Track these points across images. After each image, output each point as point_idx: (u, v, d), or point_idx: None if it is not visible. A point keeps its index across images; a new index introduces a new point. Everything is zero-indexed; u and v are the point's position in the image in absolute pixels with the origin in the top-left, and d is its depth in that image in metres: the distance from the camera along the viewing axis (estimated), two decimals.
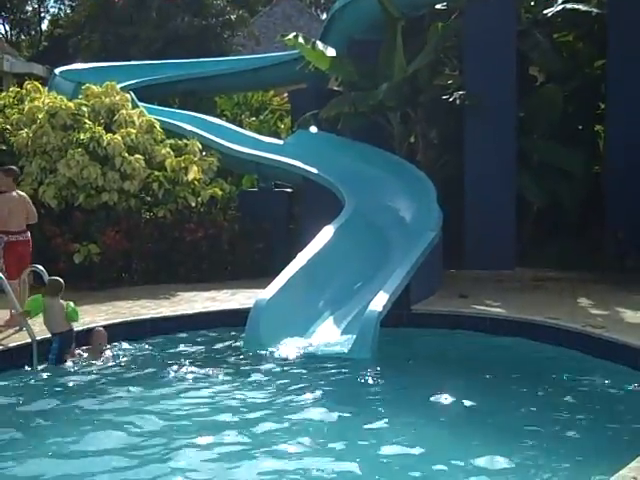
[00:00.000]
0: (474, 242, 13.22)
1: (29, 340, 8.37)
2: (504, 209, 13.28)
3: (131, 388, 7.58)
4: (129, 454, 5.85)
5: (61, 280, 8.71)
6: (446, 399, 7.09)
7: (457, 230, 12.79)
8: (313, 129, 15.44)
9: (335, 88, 16.51)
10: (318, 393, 7.43)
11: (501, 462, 5.60)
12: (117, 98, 13.89)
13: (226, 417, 6.75)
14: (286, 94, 20.14)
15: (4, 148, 13.17)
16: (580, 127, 15.53)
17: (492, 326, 9.71)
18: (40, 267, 9.12)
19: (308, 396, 7.31)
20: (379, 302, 9.41)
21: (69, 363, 8.39)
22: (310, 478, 5.46)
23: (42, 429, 6.53)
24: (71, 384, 7.78)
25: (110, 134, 13.02)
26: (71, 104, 13.23)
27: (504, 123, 13.29)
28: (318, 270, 10.57)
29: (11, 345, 8.55)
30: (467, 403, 6.99)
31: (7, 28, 49.46)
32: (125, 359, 8.63)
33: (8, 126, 13.50)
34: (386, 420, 6.63)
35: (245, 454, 5.87)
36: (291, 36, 14.67)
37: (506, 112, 13.31)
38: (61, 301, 8.63)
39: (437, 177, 12.85)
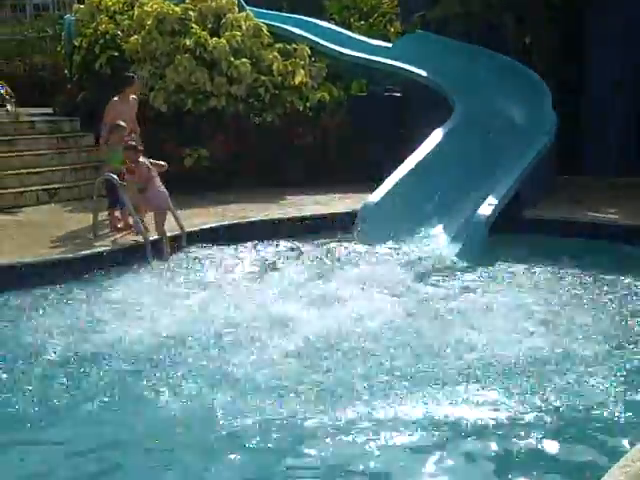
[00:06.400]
0: (593, 148, 12.76)
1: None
2: (626, 116, 12.72)
3: (233, 283, 7.83)
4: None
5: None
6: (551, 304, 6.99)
7: (571, 135, 12.31)
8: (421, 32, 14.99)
9: None
10: (423, 295, 7.41)
11: None
12: (223, 2, 13.76)
13: (325, 313, 6.82)
14: None
15: (116, 54, 13.32)
16: None
17: (605, 232, 9.39)
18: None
19: (412, 296, 7.31)
20: (488, 207, 9.25)
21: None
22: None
23: None
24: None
25: (216, 38, 12.99)
26: (178, 9, 13.20)
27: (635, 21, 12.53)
28: (426, 174, 10.44)
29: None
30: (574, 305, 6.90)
31: None
32: (230, 259, 8.80)
33: (119, 32, 13.62)
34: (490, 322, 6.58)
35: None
36: None
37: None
38: None
39: (552, 81, 12.32)
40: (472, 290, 7.53)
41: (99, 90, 12.54)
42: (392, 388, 5.30)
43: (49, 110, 14.64)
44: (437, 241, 9.40)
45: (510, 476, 4.27)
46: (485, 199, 9.57)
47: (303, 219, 10.32)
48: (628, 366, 5.57)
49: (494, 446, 4.56)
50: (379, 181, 10.18)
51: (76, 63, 13.99)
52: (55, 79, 16.19)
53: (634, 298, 7.17)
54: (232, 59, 12.80)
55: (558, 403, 5.02)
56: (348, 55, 14.51)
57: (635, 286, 7.48)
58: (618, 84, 12.55)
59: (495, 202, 9.46)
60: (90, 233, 9.23)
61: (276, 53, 13.48)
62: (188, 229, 9.31)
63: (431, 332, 6.28)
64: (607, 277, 7.79)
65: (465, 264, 8.47)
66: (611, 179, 12.30)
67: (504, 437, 4.63)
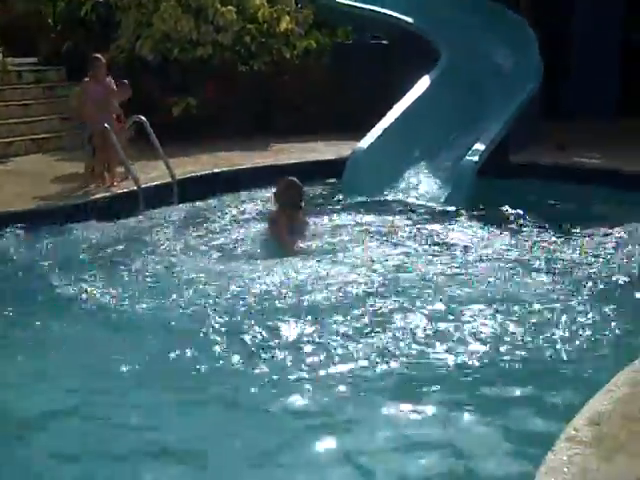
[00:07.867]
0: (576, 91, 12.85)
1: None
2: (610, 57, 12.79)
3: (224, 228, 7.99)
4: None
5: None
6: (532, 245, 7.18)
7: (555, 80, 12.37)
8: None
9: None
10: (410, 239, 7.53)
11: None
12: None
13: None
14: None
15: (100, 0, 13.19)
16: None
17: (588, 177, 9.54)
18: None
19: (401, 240, 7.46)
20: (475, 152, 9.37)
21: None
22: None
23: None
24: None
25: None
26: None
27: None
28: (414, 121, 10.52)
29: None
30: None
31: None
32: (221, 206, 8.93)
33: None
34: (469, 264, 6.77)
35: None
36: None
37: None
38: None
39: (540, 27, 12.33)
40: None
41: (85, 38, 12.48)
42: None
43: (34, 59, 14.52)
44: (426, 187, 9.52)
45: None
46: (472, 145, 9.69)
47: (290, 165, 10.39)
48: None
49: None
50: (366, 129, 10.24)
51: (60, 10, 13.88)
52: (39, 27, 16.00)
53: None
54: (218, 6, 12.72)
55: None
56: (332, 1, 14.42)
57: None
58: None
59: (482, 148, 9.58)
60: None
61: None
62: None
63: None
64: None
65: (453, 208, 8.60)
66: (597, 124, 12.39)
67: None
